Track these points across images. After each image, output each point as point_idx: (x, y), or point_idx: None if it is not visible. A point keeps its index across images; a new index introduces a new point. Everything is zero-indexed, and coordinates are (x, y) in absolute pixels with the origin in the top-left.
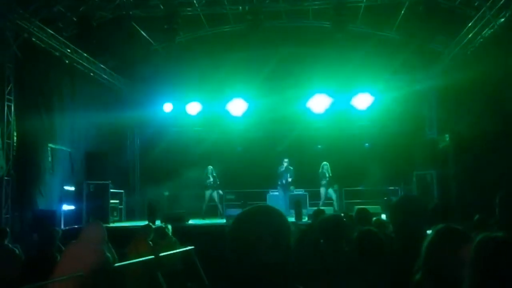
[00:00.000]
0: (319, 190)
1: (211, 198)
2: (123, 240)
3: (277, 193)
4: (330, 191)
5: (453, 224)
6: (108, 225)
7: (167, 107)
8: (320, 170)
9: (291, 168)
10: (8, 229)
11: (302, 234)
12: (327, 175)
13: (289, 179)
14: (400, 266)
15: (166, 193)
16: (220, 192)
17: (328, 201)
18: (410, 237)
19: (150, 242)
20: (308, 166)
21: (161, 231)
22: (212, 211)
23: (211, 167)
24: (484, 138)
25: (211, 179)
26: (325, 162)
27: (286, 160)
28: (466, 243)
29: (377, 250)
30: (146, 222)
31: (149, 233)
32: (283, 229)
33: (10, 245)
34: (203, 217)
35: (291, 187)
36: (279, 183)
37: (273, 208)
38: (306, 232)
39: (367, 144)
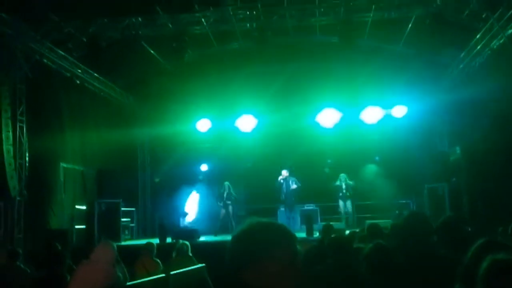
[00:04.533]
0: (338, 204)
1: (227, 214)
2: (135, 259)
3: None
4: (349, 204)
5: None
6: (119, 244)
7: (177, 124)
8: (337, 183)
9: (293, 178)
10: (20, 250)
11: (313, 250)
12: (344, 187)
13: (293, 186)
14: (404, 282)
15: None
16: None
17: (338, 216)
18: (415, 254)
19: (157, 259)
20: (318, 180)
21: (182, 250)
22: (224, 228)
23: (228, 183)
24: (496, 150)
25: (225, 196)
26: (342, 174)
27: (285, 170)
28: None
29: (387, 263)
30: (157, 240)
31: (152, 250)
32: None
33: (22, 266)
34: (215, 233)
35: None
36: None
37: (276, 224)
38: (317, 248)
39: (377, 157)
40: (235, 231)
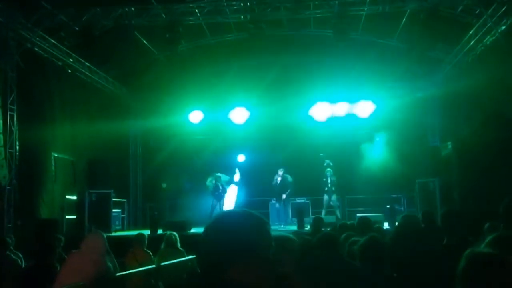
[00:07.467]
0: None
1: (219, 206)
2: (125, 249)
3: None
4: (334, 198)
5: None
6: (110, 234)
7: (170, 115)
8: (324, 178)
9: (288, 177)
10: (8, 239)
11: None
12: (329, 181)
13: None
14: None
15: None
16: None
17: (330, 209)
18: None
19: (148, 251)
20: (310, 174)
21: (171, 240)
22: None
23: (220, 174)
24: (487, 146)
25: (220, 188)
26: (328, 169)
27: (281, 169)
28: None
29: (380, 256)
30: (148, 231)
31: (143, 242)
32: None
33: (12, 255)
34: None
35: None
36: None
37: (255, 216)
38: (309, 241)
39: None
40: (209, 224)
